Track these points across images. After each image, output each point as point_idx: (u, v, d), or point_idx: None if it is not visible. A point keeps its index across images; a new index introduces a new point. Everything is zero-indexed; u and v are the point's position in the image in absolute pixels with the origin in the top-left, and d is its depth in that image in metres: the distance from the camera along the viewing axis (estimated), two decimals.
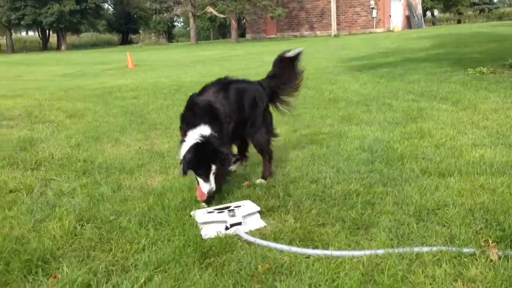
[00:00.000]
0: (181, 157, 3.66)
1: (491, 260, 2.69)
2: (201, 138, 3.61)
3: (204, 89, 4.11)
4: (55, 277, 2.74)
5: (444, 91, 8.60)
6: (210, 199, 3.77)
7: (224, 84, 4.17)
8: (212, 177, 3.59)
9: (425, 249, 2.82)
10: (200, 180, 3.62)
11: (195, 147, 3.59)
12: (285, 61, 4.56)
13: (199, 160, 3.57)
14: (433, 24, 60.17)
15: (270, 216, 3.56)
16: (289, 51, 4.52)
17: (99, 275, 2.74)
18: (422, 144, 5.20)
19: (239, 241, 3.16)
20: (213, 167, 3.58)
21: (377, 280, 2.55)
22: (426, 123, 6.16)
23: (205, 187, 3.59)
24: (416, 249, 2.82)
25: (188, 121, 3.79)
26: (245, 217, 3.42)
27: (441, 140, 5.30)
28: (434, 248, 2.82)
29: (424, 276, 2.57)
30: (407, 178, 4.14)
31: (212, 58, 24.14)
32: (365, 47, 23.20)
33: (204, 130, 3.67)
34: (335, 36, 40.81)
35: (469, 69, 10.79)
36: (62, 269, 2.80)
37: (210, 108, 3.85)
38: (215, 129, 3.73)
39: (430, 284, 2.51)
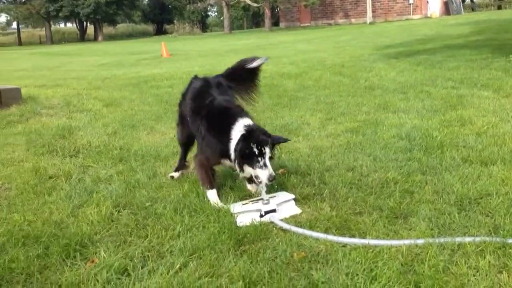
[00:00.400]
0: (234, 154, 3.48)
1: None
2: (246, 129, 3.46)
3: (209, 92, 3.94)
4: (92, 261, 2.78)
5: (485, 78, 8.29)
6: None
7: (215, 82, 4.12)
8: (268, 162, 3.39)
9: (468, 239, 2.72)
10: (258, 170, 3.39)
11: (244, 138, 3.41)
12: (246, 71, 4.24)
13: (252, 149, 3.37)
14: (473, 10, 58.22)
15: (305, 204, 3.51)
16: (253, 60, 4.17)
17: (135, 260, 2.77)
18: (463, 132, 5.02)
19: (274, 229, 3.13)
20: (267, 151, 3.38)
21: (417, 271, 2.47)
22: (466, 111, 5.95)
23: (265, 174, 3.36)
24: (458, 239, 2.73)
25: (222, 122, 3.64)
26: (280, 204, 3.38)
27: (482, 128, 5.11)
28: (477, 239, 2.71)
29: (467, 267, 2.48)
30: (447, 166, 4.01)
31: (245, 48, 24.08)
32: (402, 34, 22.65)
33: (245, 121, 3.54)
34: (370, 23, 40.02)
35: (511, 56, 10.38)
36: (100, 254, 2.84)
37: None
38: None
39: (474, 275, 2.42)
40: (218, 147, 3.61)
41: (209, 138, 3.71)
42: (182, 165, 4.33)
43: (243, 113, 3.67)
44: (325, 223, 3.15)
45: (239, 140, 3.42)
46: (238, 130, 3.48)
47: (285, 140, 3.67)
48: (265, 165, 3.36)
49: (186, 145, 4.34)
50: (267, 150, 3.38)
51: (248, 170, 3.46)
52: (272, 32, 41.85)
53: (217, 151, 3.64)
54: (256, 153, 3.36)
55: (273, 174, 3.37)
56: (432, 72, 9.53)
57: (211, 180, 3.69)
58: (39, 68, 17.92)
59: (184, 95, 4.24)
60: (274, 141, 3.49)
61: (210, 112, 3.74)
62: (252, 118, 3.65)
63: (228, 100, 3.91)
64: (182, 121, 4.24)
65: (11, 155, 5.14)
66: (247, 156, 3.39)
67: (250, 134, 3.40)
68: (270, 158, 3.43)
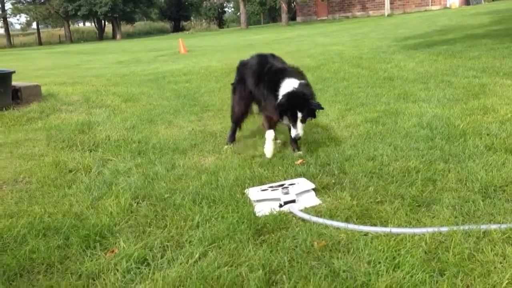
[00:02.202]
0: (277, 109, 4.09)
1: None
2: (289, 89, 4.02)
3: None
4: (112, 251, 2.78)
5: (508, 66, 8.11)
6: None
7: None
8: (299, 124, 4.04)
9: (493, 226, 2.64)
10: (291, 126, 4.09)
11: (284, 98, 4.01)
12: None
13: (289, 106, 4.00)
14: (493, 0, 57.12)
15: (325, 194, 3.46)
16: None
17: (154, 250, 2.76)
18: (486, 120, 4.91)
19: (293, 218, 3.09)
20: (299, 115, 3.99)
21: (441, 258, 2.41)
22: (489, 99, 5.82)
23: (293, 132, 4.07)
24: (483, 227, 2.65)
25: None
26: (299, 194, 3.35)
27: (506, 116, 4.99)
28: (503, 226, 2.64)
29: (493, 254, 2.41)
30: (471, 154, 3.92)
31: (262, 42, 24.02)
32: (421, 26, 22.32)
33: (292, 81, 4.09)
34: (388, 15, 39.56)
35: None
36: (119, 244, 2.84)
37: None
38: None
39: (500, 262, 2.35)
40: (272, 104, 4.18)
41: (268, 96, 4.29)
42: (233, 139, 4.98)
43: (294, 74, 4.27)
44: (346, 212, 3.10)
45: (281, 99, 4.04)
46: (284, 89, 4.07)
47: (320, 107, 4.08)
48: (294, 125, 4.05)
49: (240, 119, 4.91)
50: (299, 114, 3.99)
51: (286, 122, 4.17)
52: (289, 27, 41.67)
53: (272, 107, 4.20)
54: (290, 114, 4.02)
55: (299, 134, 4.08)
56: (453, 62, 9.36)
57: (273, 127, 4.49)
58: (59, 66, 18.12)
59: (244, 64, 4.82)
60: (309, 107, 4.03)
61: (269, 73, 4.36)
62: (303, 78, 4.31)
63: (284, 63, 4.56)
64: (241, 88, 4.75)
65: (31, 150, 5.19)
66: (284, 114, 4.07)
67: (290, 95, 4.00)
68: (304, 119, 4.04)
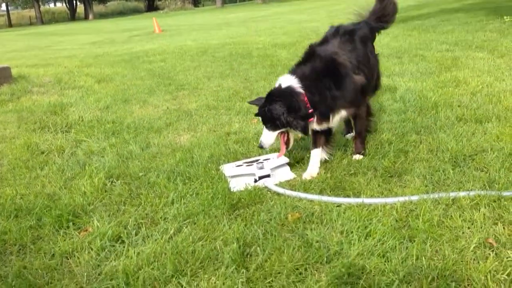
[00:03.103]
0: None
1: None
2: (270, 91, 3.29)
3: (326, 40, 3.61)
4: (86, 230, 2.77)
5: (480, 39, 8.21)
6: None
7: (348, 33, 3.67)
8: (266, 132, 3.26)
9: (462, 193, 2.70)
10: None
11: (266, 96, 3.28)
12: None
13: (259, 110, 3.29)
14: None
15: (300, 168, 3.49)
16: None
17: (129, 228, 2.75)
18: (458, 92, 4.97)
19: (268, 192, 3.11)
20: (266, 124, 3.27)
21: (411, 226, 2.46)
22: (461, 72, 5.89)
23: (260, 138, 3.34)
24: (452, 194, 2.71)
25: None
26: (274, 169, 3.36)
27: (477, 88, 5.06)
28: (472, 193, 2.70)
29: (461, 220, 2.47)
30: (442, 125, 3.98)
31: (238, 20, 23.78)
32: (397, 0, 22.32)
33: (284, 79, 3.27)
34: None
35: (505, 17, 10.25)
36: (93, 223, 2.82)
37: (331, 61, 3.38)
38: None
39: (468, 227, 2.41)
40: None
41: None
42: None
43: (296, 71, 3.32)
44: (320, 185, 3.12)
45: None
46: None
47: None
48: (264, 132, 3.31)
49: None
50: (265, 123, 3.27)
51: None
52: (265, 4, 41.29)
53: None
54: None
55: (261, 144, 3.29)
56: (427, 36, 9.43)
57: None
58: (30, 48, 17.69)
59: None
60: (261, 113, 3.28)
61: None
62: (305, 77, 3.25)
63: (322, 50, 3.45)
64: None
65: (2, 132, 5.08)
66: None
67: (266, 98, 3.26)
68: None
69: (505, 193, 2.66)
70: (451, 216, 2.52)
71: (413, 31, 10.38)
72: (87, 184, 3.39)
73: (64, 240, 2.67)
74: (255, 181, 3.28)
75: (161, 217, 2.86)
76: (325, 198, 2.90)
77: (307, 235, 2.51)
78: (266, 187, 3.19)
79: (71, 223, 2.85)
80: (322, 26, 14.02)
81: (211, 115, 5.14)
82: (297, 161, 3.59)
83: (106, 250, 2.54)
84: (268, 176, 3.29)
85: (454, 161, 3.23)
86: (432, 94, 4.95)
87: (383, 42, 9.31)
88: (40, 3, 62.45)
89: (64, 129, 5.09)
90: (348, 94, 3.33)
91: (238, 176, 3.32)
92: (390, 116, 4.40)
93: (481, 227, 2.39)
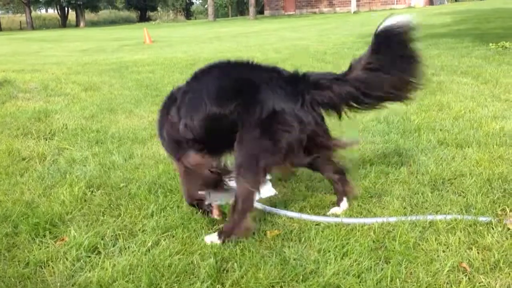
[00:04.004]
0: None
1: (508, 229, 2.61)
2: None
3: None
4: (62, 239, 2.74)
5: (465, 65, 8.36)
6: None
7: None
8: None
9: (439, 217, 2.74)
10: None
11: None
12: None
13: None
14: (456, 0, 58.66)
15: (281, 185, 3.50)
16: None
17: (106, 239, 2.73)
18: (440, 116, 5.06)
19: None
20: None
21: (388, 247, 2.48)
22: (445, 96, 5.99)
23: None
24: (429, 217, 2.74)
25: None
26: None
27: (460, 112, 5.15)
28: (449, 216, 2.73)
29: (437, 244, 2.50)
30: (423, 148, 4.03)
31: (229, 35, 23.91)
32: None
33: None
34: (354, 12, 40.05)
35: (491, 44, 10.47)
36: (70, 233, 2.79)
37: None
38: None
39: (443, 251, 2.44)
40: None
41: None
42: None
43: None
44: (300, 203, 3.14)
45: None
46: None
47: None
48: None
49: None
50: None
51: None
52: (257, 20, 41.63)
53: None
54: None
55: None
56: None
57: None
58: (19, 53, 17.56)
59: None
60: None
61: None
62: None
63: None
64: None
65: None
66: None
67: None
68: None
69: (481, 218, 2.69)
70: (427, 239, 2.55)
71: None
72: (66, 193, 3.37)
73: (40, 249, 2.64)
74: None
75: (139, 229, 2.85)
76: (304, 216, 2.91)
77: (284, 252, 2.52)
78: None
79: (47, 232, 2.82)
80: (312, 44, 14.19)
81: None
82: (279, 178, 3.60)
83: (81, 261, 2.52)
84: None
85: (433, 185, 3.28)
86: (415, 117, 5.02)
87: None
88: (32, 8, 62.15)
89: (47, 136, 5.06)
90: None
91: (219, 191, 3.31)
92: (373, 137, 4.45)
93: (456, 251, 2.42)
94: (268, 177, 3.44)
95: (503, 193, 3.06)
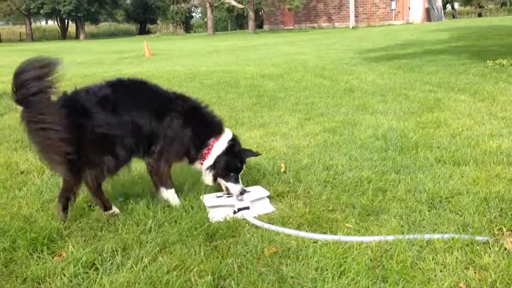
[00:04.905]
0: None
1: (505, 249, 2.61)
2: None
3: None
4: (60, 255, 2.74)
5: (463, 82, 8.42)
6: None
7: None
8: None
9: (437, 236, 2.74)
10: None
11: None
12: None
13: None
14: (453, 17, 59.21)
15: (279, 202, 3.51)
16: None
17: (104, 255, 2.73)
18: (438, 134, 5.09)
19: (246, 225, 3.12)
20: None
21: (385, 266, 2.49)
22: (442, 113, 6.03)
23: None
24: (427, 236, 2.75)
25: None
26: (254, 201, 3.38)
27: (457, 130, 5.18)
28: (446, 236, 2.74)
29: (434, 263, 2.50)
30: (421, 166, 4.06)
31: (228, 48, 24.06)
32: (383, 39, 22.89)
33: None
34: (353, 28, 40.39)
35: (488, 61, 10.57)
36: (68, 248, 2.79)
37: None
38: None
39: (441, 271, 2.45)
40: None
41: None
42: None
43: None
44: (298, 219, 3.15)
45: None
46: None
47: None
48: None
49: None
50: None
51: None
52: (256, 34, 41.90)
53: None
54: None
55: (243, 190, 3.50)
56: (411, 76, 9.64)
57: None
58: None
59: None
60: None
61: None
62: None
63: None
64: None
65: None
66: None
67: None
68: None
69: (478, 238, 2.71)
70: (425, 258, 2.55)
71: (399, 69, 10.62)
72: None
73: (37, 264, 2.64)
74: (234, 212, 3.29)
75: (137, 245, 2.85)
76: (302, 233, 2.92)
77: (282, 270, 2.52)
78: (245, 219, 3.20)
79: (45, 247, 2.82)
80: (311, 59, 14.29)
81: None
82: (277, 194, 3.61)
83: (79, 277, 2.51)
84: (247, 208, 3.30)
85: (431, 203, 3.29)
86: (413, 134, 5.05)
87: (369, 79, 9.53)
88: (32, 20, 62.44)
89: None
90: None
91: (218, 207, 3.33)
92: (371, 154, 4.47)
93: (453, 271, 2.43)
94: (267, 193, 3.47)
95: (500, 212, 3.07)
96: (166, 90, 3.59)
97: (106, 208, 3.28)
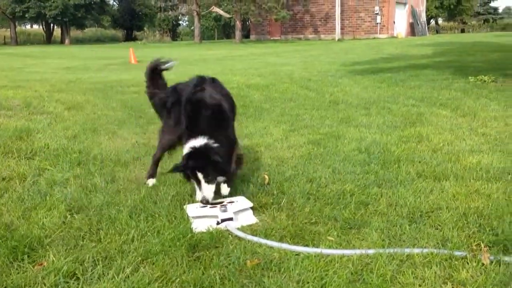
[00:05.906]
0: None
1: (483, 264, 2.66)
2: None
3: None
4: (40, 264, 2.71)
5: (445, 97, 8.57)
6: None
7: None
8: (207, 185, 3.50)
9: (416, 250, 2.79)
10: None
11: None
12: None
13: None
14: (437, 32, 60.23)
15: (262, 213, 3.53)
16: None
17: (85, 264, 2.72)
18: (420, 148, 5.17)
19: (229, 236, 3.13)
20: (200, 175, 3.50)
21: (366, 280, 2.52)
22: (424, 128, 6.13)
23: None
24: (407, 250, 2.79)
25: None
26: (237, 213, 3.39)
27: (438, 145, 5.27)
28: (425, 250, 2.79)
29: (413, 277, 2.54)
30: (402, 180, 4.12)
31: (214, 58, 24.10)
32: (369, 52, 23.15)
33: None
34: (339, 40, 40.81)
35: (470, 77, 10.76)
36: (49, 257, 2.77)
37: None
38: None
39: (420, 285, 2.49)
40: None
41: None
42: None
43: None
44: (281, 232, 3.17)
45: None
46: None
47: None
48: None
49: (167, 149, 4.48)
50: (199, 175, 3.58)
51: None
52: (242, 44, 42.04)
53: None
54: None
55: (207, 199, 3.51)
56: (395, 89, 9.78)
57: None
58: (1, 68, 17.43)
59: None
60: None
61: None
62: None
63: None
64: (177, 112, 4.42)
65: None
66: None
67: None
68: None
69: (457, 253, 2.76)
70: (404, 272, 2.59)
71: (383, 83, 10.76)
72: (46, 215, 3.35)
73: (18, 273, 2.62)
74: (218, 223, 3.30)
75: (119, 255, 2.84)
76: (284, 245, 2.94)
77: (264, 282, 2.54)
78: (228, 230, 3.21)
79: (26, 256, 2.79)
80: (297, 71, 14.39)
81: (180, 152, 5.16)
82: (261, 206, 3.63)
83: (59, 287, 2.50)
84: (230, 219, 3.32)
85: (411, 217, 3.34)
86: (395, 148, 5.12)
87: (353, 91, 9.64)
88: (17, 23, 61.82)
89: (28, 155, 5.02)
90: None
91: (201, 217, 3.34)
92: (354, 167, 4.52)
93: (432, 286, 2.47)
94: (250, 204, 3.49)
95: (478, 227, 3.13)
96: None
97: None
